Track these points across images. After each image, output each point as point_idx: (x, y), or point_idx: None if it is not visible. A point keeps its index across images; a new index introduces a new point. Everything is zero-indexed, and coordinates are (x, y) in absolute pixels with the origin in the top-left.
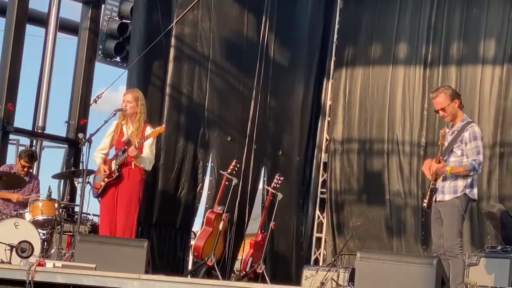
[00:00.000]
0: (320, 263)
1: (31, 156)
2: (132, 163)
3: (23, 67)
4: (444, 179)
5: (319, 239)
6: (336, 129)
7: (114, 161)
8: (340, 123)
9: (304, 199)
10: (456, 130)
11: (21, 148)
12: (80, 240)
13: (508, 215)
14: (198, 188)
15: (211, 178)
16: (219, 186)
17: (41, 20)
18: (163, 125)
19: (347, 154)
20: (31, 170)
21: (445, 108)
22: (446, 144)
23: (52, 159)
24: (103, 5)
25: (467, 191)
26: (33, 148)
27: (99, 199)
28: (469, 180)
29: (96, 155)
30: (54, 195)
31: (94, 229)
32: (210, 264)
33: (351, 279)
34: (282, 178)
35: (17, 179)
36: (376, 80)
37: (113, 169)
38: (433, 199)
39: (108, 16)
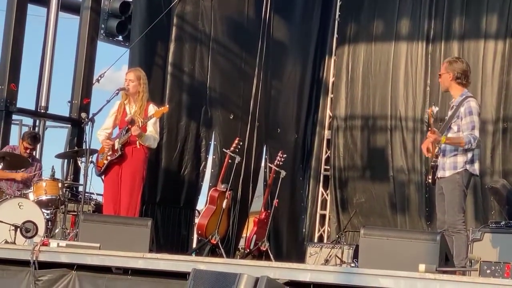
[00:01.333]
0: (325, 240)
1: (34, 138)
2: (137, 142)
3: (25, 47)
4: (444, 155)
5: (323, 216)
6: (339, 106)
7: (117, 140)
8: (343, 99)
9: (304, 176)
10: (455, 105)
11: (24, 129)
12: (84, 220)
13: None
14: (201, 167)
15: (214, 157)
16: (223, 164)
17: (43, 0)
18: (167, 105)
19: (350, 130)
20: (33, 153)
21: (440, 75)
22: (446, 118)
23: (55, 139)
24: None
25: (467, 166)
26: (36, 128)
27: (102, 177)
28: (469, 155)
29: (100, 133)
30: (58, 175)
31: (98, 208)
32: (214, 242)
33: (355, 255)
34: (285, 155)
35: (21, 159)
36: (379, 56)
37: (116, 148)
38: (436, 176)
39: None
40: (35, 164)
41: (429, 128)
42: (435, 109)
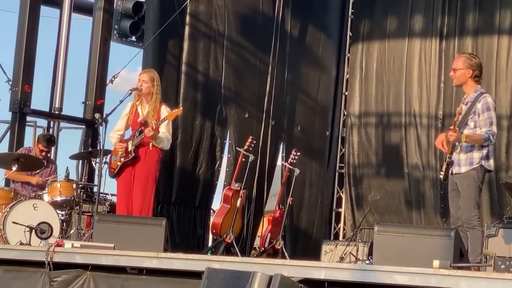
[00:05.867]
0: (340, 238)
1: (49, 141)
2: (150, 144)
3: (38, 49)
4: (460, 151)
5: (338, 214)
6: (353, 104)
7: (130, 141)
8: (357, 97)
9: (319, 174)
10: (470, 102)
11: (38, 130)
12: (98, 220)
13: None
14: (216, 166)
15: (229, 155)
16: (237, 163)
17: (55, 1)
18: (181, 107)
19: (364, 128)
20: (49, 155)
21: (456, 69)
22: (461, 117)
23: (70, 140)
24: None
25: (483, 162)
26: (51, 129)
27: (116, 178)
28: (484, 151)
29: (112, 135)
30: (72, 176)
31: (113, 208)
32: (229, 241)
33: (370, 253)
34: (299, 153)
35: (35, 161)
36: (393, 53)
37: (129, 150)
38: (450, 172)
39: None
40: (50, 166)
41: (452, 127)
42: (465, 107)
